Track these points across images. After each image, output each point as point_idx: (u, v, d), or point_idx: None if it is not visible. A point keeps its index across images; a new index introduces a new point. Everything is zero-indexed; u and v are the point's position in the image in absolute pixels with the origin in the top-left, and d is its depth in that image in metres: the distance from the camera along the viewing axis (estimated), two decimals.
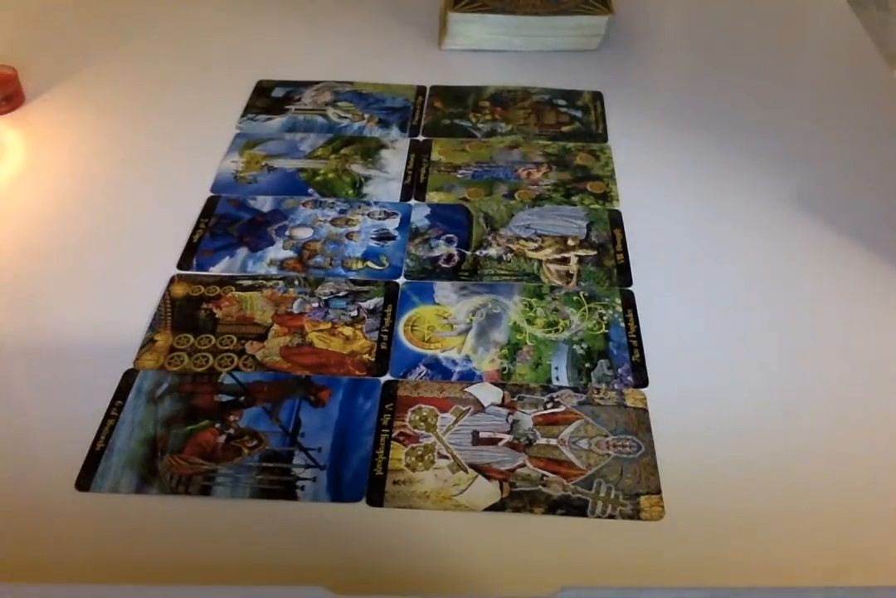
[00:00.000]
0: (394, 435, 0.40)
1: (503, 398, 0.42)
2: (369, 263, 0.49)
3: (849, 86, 0.65)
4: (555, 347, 0.44)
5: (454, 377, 0.43)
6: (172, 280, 0.48)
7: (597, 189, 0.54)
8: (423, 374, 0.43)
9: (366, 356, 0.43)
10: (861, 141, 0.59)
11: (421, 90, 0.63)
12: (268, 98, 0.62)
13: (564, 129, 0.60)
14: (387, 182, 0.55)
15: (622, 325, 0.45)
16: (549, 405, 0.41)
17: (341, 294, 0.47)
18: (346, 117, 0.60)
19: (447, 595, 0.35)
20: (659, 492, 0.38)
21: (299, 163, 0.56)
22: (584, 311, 0.46)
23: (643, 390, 0.42)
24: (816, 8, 0.76)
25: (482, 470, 0.39)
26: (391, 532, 0.36)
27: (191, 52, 0.68)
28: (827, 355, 0.44)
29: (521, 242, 0.50)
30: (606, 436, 0.40)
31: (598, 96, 0.63)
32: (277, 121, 0.60)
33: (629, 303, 0.46)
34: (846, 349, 0.44)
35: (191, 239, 0.50)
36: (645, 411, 0.41)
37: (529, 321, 0.45)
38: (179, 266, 0.49)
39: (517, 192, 0.54)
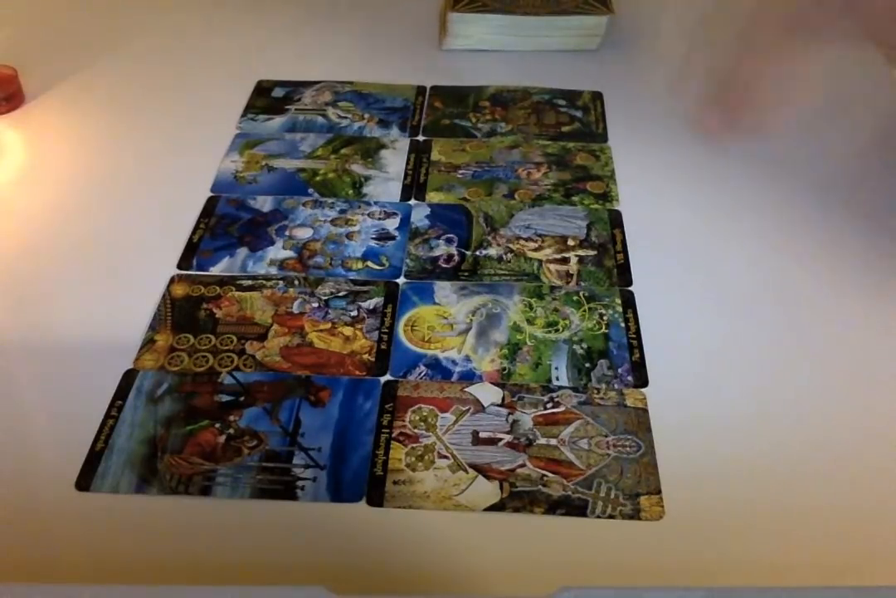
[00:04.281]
0: (394, 435, 0.40)
1: (503, 398, 0.42)
2: (369, 263, 0.49)
3: (849, 86, 0.65)
4: (555, 347, 0.44)
5: (454, 377, 0.43)
6: (172, 280, 0.48)
7: (597, 189, 0.54)
8: (423, 374, 0.43)
9: (366, 356, 0.43)
10: (861, 141, 0.59)
11: (421, 90, 0.63)
12: (268, 98, 0.62)
13: (564, 129, 0.60)
14: (387, 182, 0.55)
15: (622, 325, 0.45)
16: (549, 405, 0.41)
17: (341, 294, 0.47)
18: (346, 117, 0.60)
19: (447, 595, 0.35)
20: (659, 492, 0.38)
21: (299, 163, 0.56)
22: (584, 311, 0.46)
23: (643, 390, 0.42)
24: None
25: (482, 470, 0.39)
26: (391, 532, 0.36)
27: (191, 52, 0.68)
28: (827, 354, 0.44)
29: (521, 242, 0.50)
30: (606, 436, 0.40)
31: (598, 96, 0.63)
32: (277, 121, 0.60)
33: (629, 303, 0.46)
34: (847, 349, 0.44)
35: (191, 239, 0.50)
36: (645, 411, 0.41)
37: (529, 321, 0.45)
38: (179, 266, 0.49)
39: (517, 192, 0.54)
